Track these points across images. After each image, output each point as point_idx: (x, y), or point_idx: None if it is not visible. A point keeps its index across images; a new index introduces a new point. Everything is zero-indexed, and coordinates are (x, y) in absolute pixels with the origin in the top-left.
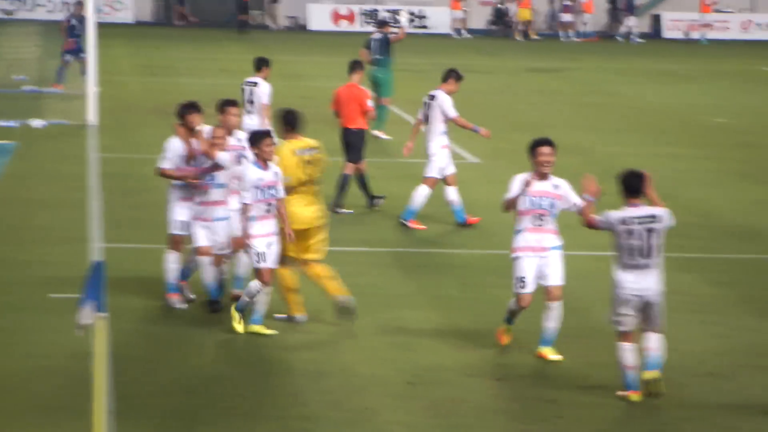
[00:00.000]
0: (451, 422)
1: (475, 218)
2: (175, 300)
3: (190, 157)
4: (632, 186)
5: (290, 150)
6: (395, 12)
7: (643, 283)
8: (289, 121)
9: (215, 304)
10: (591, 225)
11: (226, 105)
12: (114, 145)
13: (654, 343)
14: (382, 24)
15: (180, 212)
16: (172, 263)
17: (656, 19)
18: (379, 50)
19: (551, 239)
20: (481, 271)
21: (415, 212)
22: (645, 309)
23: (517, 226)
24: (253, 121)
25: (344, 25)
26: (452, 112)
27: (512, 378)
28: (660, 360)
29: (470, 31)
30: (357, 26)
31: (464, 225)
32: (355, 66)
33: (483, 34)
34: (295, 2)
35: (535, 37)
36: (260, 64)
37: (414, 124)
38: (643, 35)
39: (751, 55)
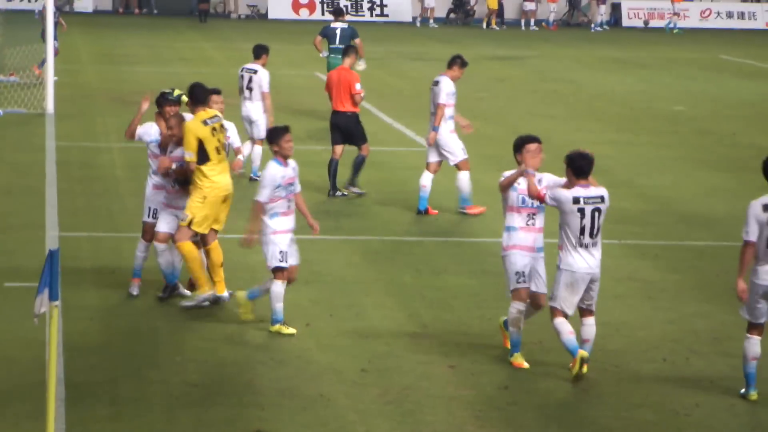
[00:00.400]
0: (405, 409)
1: (434, 210)
2: (134, 285)
3: (162, 145)
4: (582, 167)
5: (200, 121)
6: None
7: (590, 261)
8: (197, 95)
9: (168, 290)
10: (539, 198)
11: (209, 93)
12: (71, 134)
13: (590, 332)
14: (338, 13)
15: (152, 199)
16: (139, 252)
17: (616, 8)
18: (341, 40)
19: (540, 239)
20: (437, 259)
21: (468, 198)
22: (589, 286)
23: (508, 223)
24: (253, 108)
25: (305, 14)
26: (441, 99)
27: (465, 365)
28: (590, 349)
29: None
30: (318, 15)
31: (425, 213)
32: (348, 50)
33: (442, 22)
34: None
35: (495, 27)
36: (260, 52)
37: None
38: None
39: (710, 44)
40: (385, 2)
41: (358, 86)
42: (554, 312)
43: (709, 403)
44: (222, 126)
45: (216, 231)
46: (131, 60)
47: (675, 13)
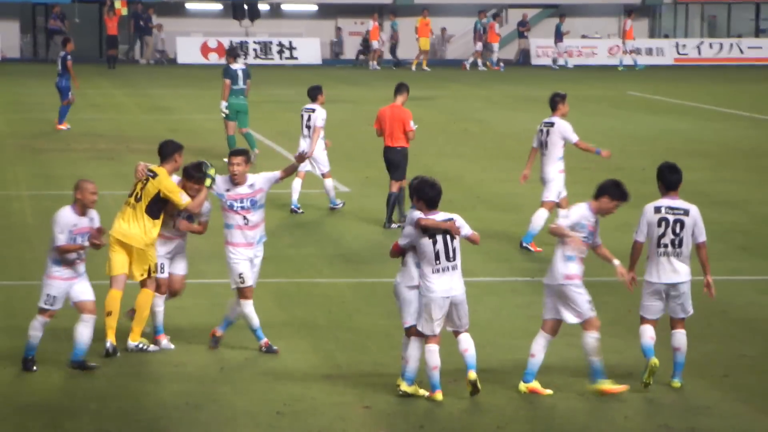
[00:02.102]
0: None
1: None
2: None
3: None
4: (433, 198)
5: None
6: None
7: (451, 283)
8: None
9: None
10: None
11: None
12: None
13: (466, 343)
14: (237, 55)
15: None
16: (157, 306)
17: (519, 46)
18: (243, 81)
19: None
20: (350, 300)
21: (534, 235)
22: (454, 309)
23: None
24: (306, 144)
25: (214, 58)
26: (574, 137)
27: (380, 406)
28: (474, 359)
29: (342, 61)
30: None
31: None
32: (400, 88)
33: (351, 64)
34: (164, 36)
35: (426, 68)
36: (315, 93)
37: (530, 152)
38: (510, 63)
39: (619, 80)
40: (294, 45)
41: (412, 123)
42: (424, 335)
43: (608, 421)
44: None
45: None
46: (41, 108)
47: (631, 51)
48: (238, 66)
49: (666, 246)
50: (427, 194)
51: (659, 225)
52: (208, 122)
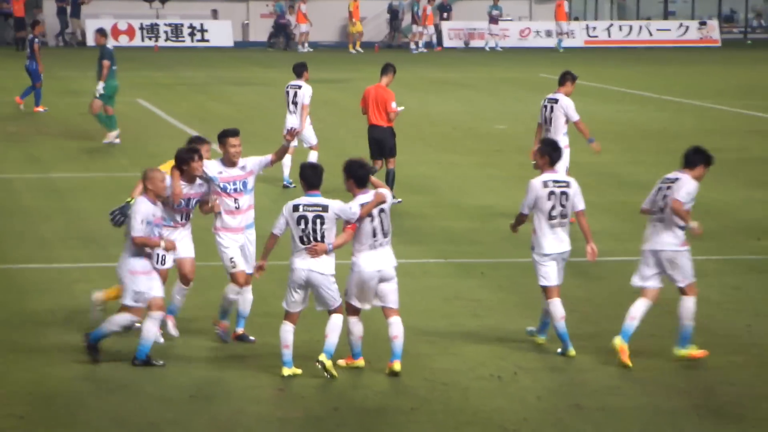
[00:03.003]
0: None
1: None
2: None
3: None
4: (363, 176)
5: None
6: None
7: (384, 258)
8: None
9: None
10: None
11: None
12: None
13: (397, 330)
14: (106, 34)
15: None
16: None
17: (436, 29)
18: (115, 61)
19: None
20: (264, 284)
21: None
22: (384, 285)
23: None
24: (294, 120)
25: (124, 41)
26: (575, 116)
27: (294, 388)
28: (401, 348)
29: (251, 44)
30: (138, 41)
31: None
32: (386, 69)
33: (263, 46)
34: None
35: (359, 50)
36: (301, 69)
37: (536, 129)
38: (424, 45)
39: (530, 63)
40: (205, 27)
41: (393, 105)
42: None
43: (536, 418)
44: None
45: None
46: None
47: (562, 33)
48: (110, 45)
49: (555, 218)
50: (357, 173)
51: (549, 198)
52: (120, 105)
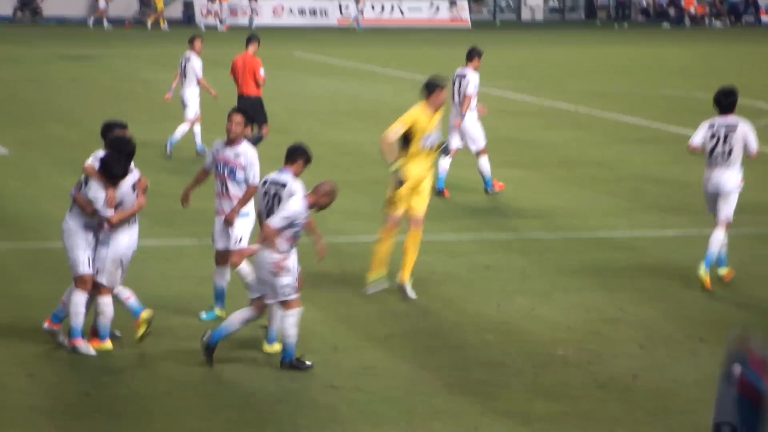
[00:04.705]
0: None
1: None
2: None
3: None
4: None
5: None
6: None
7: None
8: None
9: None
10: None
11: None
12: None
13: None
14: None
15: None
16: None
17: (189, 6)
18: None
19: None
20: (11, 269)
21: (489, 179)
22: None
23: None
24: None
25: None
26: (471, 90)
27: (44, 374)
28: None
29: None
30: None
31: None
32: (251, 39)
33: (9, 21)
34: None
35: (165, 28)
36: (192, 40)
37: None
38: (174, 22)
39: (285, 41)
40: None
41: (262, 72)
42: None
43: (292, 400)
44: None
45: None
46: None
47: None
48: None
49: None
50: (308, 155)
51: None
52: None
